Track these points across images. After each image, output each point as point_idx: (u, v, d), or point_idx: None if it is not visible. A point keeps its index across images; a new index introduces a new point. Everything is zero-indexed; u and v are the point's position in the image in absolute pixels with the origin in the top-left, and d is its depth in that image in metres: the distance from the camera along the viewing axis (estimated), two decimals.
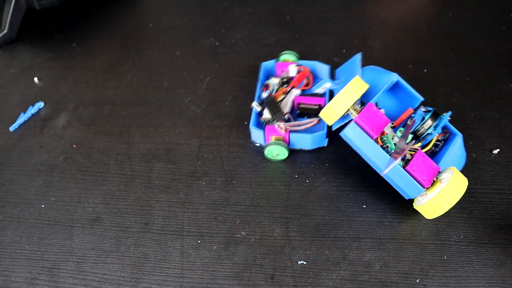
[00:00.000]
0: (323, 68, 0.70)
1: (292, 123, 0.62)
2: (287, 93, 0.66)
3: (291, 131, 0.61)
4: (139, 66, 0.81)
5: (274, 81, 0.68)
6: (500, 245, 0.52)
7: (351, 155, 0.62)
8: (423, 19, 0.85)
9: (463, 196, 0.55)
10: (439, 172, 0.53)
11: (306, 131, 0.62)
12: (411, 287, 0.49)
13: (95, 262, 0.54)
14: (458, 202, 0.56)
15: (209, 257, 0.53)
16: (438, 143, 0.57)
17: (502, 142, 0.63)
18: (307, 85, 0.67)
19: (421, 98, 0.58)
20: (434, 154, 0.57)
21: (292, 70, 0.68)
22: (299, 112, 0.64)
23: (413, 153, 0.53)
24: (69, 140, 0.68)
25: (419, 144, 0.54)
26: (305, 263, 0.52)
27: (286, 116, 0.63)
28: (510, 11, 0.85)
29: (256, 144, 0.64)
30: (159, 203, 0.59)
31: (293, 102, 0.65)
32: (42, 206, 0.60)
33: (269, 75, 0.71)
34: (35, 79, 0.80)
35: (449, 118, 0.56)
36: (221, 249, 0.54)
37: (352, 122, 0.54)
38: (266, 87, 0.67)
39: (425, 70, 0.75)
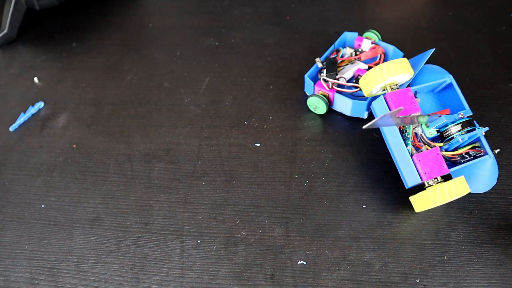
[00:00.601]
0: (397, 55, 0.71)
1: (336, 81, 0.64)
2: (352, 63, 0.67)
3: (336, 92, 0.64)
4: (139, 66, 0.81)
5: (347, 50, 0.70)
6: (500, 245, 0.52)
7: (351, 155, 0.63)
8: (423, 19, 0.85)
9: (463, 196, 0.55)
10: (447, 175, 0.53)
11: (348, 96, 0.64)
12: (411, 287, 0.49)
13: (95, 262, 0.54)
14: (458, 202, 0.56)
15: (209, 257, 0.53)
16: (467, 156, 0.55)
17: (502, 142, 0.63)
18: (377, 64, 0.69)
19: (469, 111, 0.57)
20: (456, 164, 0.55)
21: (365, 45, 0.70)
22: (355, 83, 0.66)
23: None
24: (69, 140, 0.68)
25: (442, 144, 0.54)
26: (305, 263, 0.52)
27: (340, 80, 0.65)
28: (510, 11, 0.85)
29: (307, 94, 0.69)
30: (159, 203, 0.59)
31: (354, 73, 0.66)
32: (42, 206, 0.60)
33: (347, 45, 0.73)
34: (35, 79, 0.80)
35: (483, 133, 0.54)
36: (221, 249, 0.54)
37: (382, 95, 0.56)
38: (337, 51, 0.70)
39: None
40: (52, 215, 0.59)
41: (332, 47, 0.71)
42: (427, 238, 0.53)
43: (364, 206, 0.57)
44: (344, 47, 0.72)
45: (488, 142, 0.55)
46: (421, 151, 0.53)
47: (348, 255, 0.52)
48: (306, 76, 0.68)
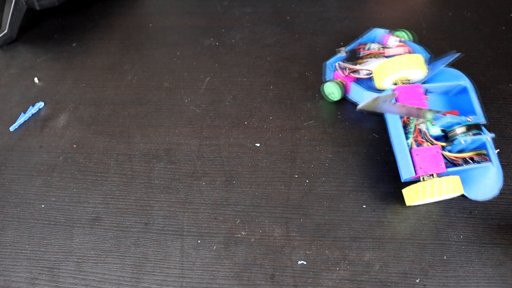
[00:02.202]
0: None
1: (350, 65, 0.65)
2: (376, 57, 0.67)
3: (354, 81, 0.65)
4: (139, 66, 0.81)
5: (374, 45, 0.69)
6: (500, 245, 0.52)
7: (351, 155, 0.63)
8: (423, 19, 0.85)
9: (463, 196, 0.55)
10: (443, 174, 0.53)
11: (364, 86, 0.64)
12: (411, 287, 0.49)
13: (95, 262, 0.54)
14: (458, 202, 0.56)
15: (209, 257, 0.53)
16: (470, 161, 0.54)
17: (502, 142, 0.63)
18: None
19: (482, 118, 0.56)
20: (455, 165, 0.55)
21: (391, 41, 0.69)
22: None
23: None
24: (69, 140, 0.68)
25: (445, 144, 0.54)
26: (305, 263, 0.52)
27: (361, 72, 0.65)
28: (510, 11, 0.85)
29: (324, 80, 0.69)
30: (159, 203, 0.59)
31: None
32: (42, 206, 0.60)
33: (376, 41, 0.72)
34: (35, 79, 0.80)
35: (489, 139, 0.54)
36: (221, 249, 0.54)
37: (390, 89, 0.56)
38: (364, 45, 0.69)
39: None
40: (52, 215, 0.59)
41: (359, 40, 0.71)
42: (427, 238, 0.53)
43: (364, 206, 0.57)
44: (373, 42, 0.71)
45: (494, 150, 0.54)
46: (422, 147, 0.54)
47: (348, 255, 0.52)
48: (329, 64, 0.68)
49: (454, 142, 0.54)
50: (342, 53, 0.68)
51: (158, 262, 0.53)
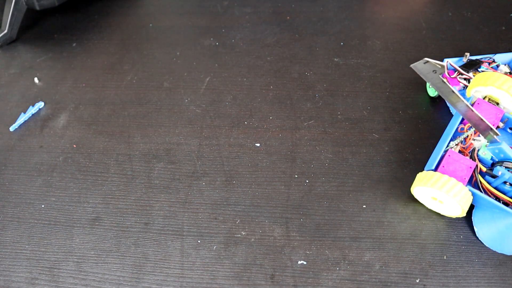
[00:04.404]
0: None
1: (462, 69, 0.63)
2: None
3: (455, 86, 0.62)
4: (139, 66, 0.81)
5: (503, 68, 0.65)
6: None
7: (351, 155, 0.63)
8: (423, 19, 0.85)
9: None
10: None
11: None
12: (411, 287, 0.49)
13: (95, 262, 0.54)
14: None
15: (209, 257, 0.53)
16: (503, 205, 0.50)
17: None
18: None
19: None
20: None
21: (503, 68, 0.65)
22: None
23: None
24: (69, 140, 0.68)
25: (485, 169, 0.52)
26: (305, 263, 0.52)
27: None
28: (510, 11, 0.85)
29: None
30: (159, 203, 0.59)
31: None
32: (42, 206, 0.60)
33: (508, 64, 0.67)
34: (35, 79, 0.80)
35: None
36: (221, 249, 0.54)
37: (472, 97, 0.57)
38: (493, 62, 0.66)
39: None
40: (52, 215, 0.59)
41: (491, 55, 0.67)
42: (427, 238, 0.53)
43: (364, 206, 0.57)
44: (505, 64, 0.67)
45: None
46: (463, 153, 0.53)
47: (348, 255, 0.52)
48: (446, 60, 0.65)
49: (493, 170, 0.51)
50: (464, 58, 0.66)
51: (158, 262, 0.53)
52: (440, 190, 0.49)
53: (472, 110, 0.53)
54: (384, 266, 0.51)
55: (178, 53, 0.82)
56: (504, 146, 0.50)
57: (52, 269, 0.54)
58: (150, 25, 0.90)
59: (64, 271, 0.53)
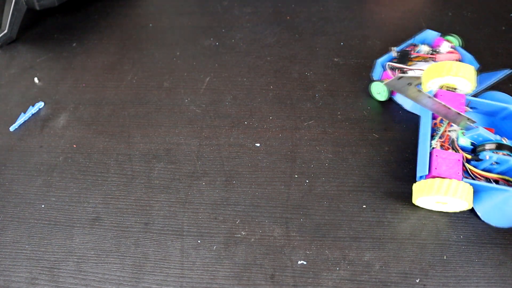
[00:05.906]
0: (472, 64, 0.68)
1: (402, 66, 0.65)
2: (426, 61, 0.67)
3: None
4: (139, 66, 0.81)
5: (424, 48, 0.69)
6: (500, 245, 0.52)
7: (351, 155, 0.63)
8: (423, 19, 0.85)
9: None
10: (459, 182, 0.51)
11: None
12: (411, 287, 0.49)
13: (95, 262, 0.54)
14: None
15: (209, 257, 0.53)
16: (494, 183, 0.52)
17: None
18: None
19: None
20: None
21: (444, 47, 0.69)
22: None
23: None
24: (69, 140, 0.68)
25: (470, 157, 0.53)
26: (305, 263, 0.52)
27: (408, 72, 0.65)
28: (510, 11, 0.85)
29: (373, 79, 0.70)
30: (159, 203, 0.59)
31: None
32: (42, 206, 0.60)
33: (426, 43, 0.72)
34: (35, 79, 0.80)
35: None
36: (221, 249, 0.54)
37: (432, 90, 0.58)
38: (414, 46, 0.70)
39: None
40: (52, 215, 0.59)
41: (410, 41, 0.71)
42: (427, 238, 0.53)
43: (364, 206, 0.57)
44: (423, 43, 0.71)
45: None
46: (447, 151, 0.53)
47: (348, 255, 0.52)
48: (379, 62, 0.68)
49: (479, 155, 0.52)
50: (393, 52, 0.68)
51: (158, 262, 0.53)
52: (445, 196, 0.50)
53: (449, 108, 0.53)
54: (384, 266, 0.51)
55: (178, 53, 0.82)
56: (481, 130, 0.52)
57: (52, 269, 0.54)
58: (150, 25, 0.90)
59: (64, 271, 0.53)
